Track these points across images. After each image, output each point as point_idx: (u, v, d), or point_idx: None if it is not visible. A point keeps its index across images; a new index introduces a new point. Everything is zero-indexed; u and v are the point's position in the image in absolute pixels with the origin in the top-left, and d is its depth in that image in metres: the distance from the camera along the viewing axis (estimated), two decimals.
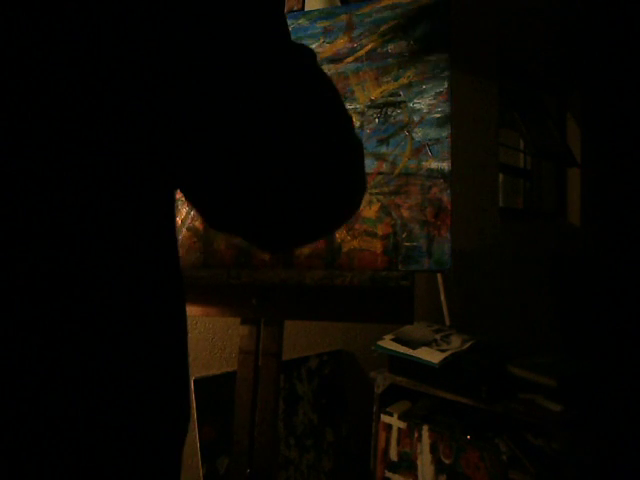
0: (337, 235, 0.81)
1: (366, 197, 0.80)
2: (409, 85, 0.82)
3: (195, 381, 1.34)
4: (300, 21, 0.92)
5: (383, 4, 0.87)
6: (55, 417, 0.29)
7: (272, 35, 0.36)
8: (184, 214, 0.92)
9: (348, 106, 0.86)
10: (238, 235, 0.45)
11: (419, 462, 1.53)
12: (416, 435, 1.54)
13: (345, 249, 0.80)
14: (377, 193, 0.80)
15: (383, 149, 0.82)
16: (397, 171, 0.80)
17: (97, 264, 0.31)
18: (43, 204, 0.29)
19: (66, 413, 0.29)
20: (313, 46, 0.89)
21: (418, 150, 0.79)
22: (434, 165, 0.78)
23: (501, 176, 2.74)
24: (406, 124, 0.81)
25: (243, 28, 0.34)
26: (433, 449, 1.50)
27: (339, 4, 0.96)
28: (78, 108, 0.29)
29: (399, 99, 0.82)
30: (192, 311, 0.92)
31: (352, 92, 0.86)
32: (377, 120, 0.83)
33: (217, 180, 0.37)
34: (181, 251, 0.89)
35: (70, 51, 0.29)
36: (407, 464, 1.56)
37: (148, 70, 0.31)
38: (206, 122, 0.34)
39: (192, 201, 0.40)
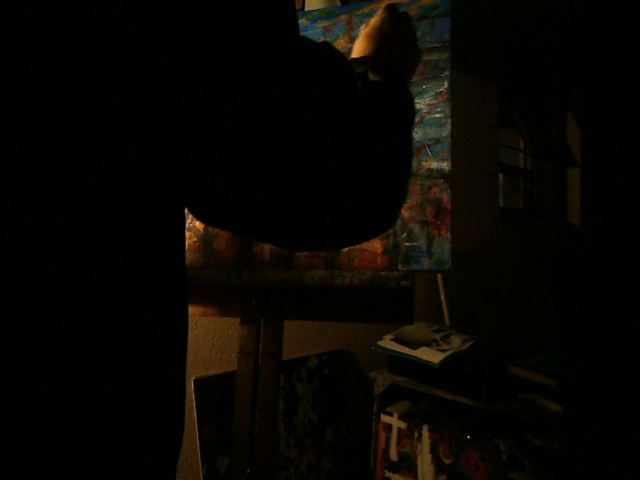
0: None
1: None
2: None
3: (195, 381, 1.34)
4: (300, 21, 0.92)
5: (383, 4, 0.87)
6: (52, 421, 0.29)
7: (283, 33, 0.36)
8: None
9: None
10: (246, 233, 0.45)
11: (419, 462, 1.53)
12: (416, 435, 1.54)
13: (345, 249, 0.80)
14: None
15: None
16: None
17: (97, 265, 0.30)
18: (41, 202, 0.28)
19: (60, 419, 0.29)
20: None
21: (418, 150, 0.79)
22: (434, 165, 0.78)
23: (501, 176, 2.74)
24: None
25: (254, 28, 0.33)
26: (433, 449, 1.50)
27: (339, 4, 0.96)
28: (89, 111, 0.29)
29: None
30: (192, 311, 0.92)
31: None
32: None
33: (231, 179, 0.36)
34: None
35: (77, 55, 0.28)
36: (407, 464, 1.56)
37: (155, 71, 0.31)
38: (222, 122, 0.33)
39: (193, 194, 0.38)
